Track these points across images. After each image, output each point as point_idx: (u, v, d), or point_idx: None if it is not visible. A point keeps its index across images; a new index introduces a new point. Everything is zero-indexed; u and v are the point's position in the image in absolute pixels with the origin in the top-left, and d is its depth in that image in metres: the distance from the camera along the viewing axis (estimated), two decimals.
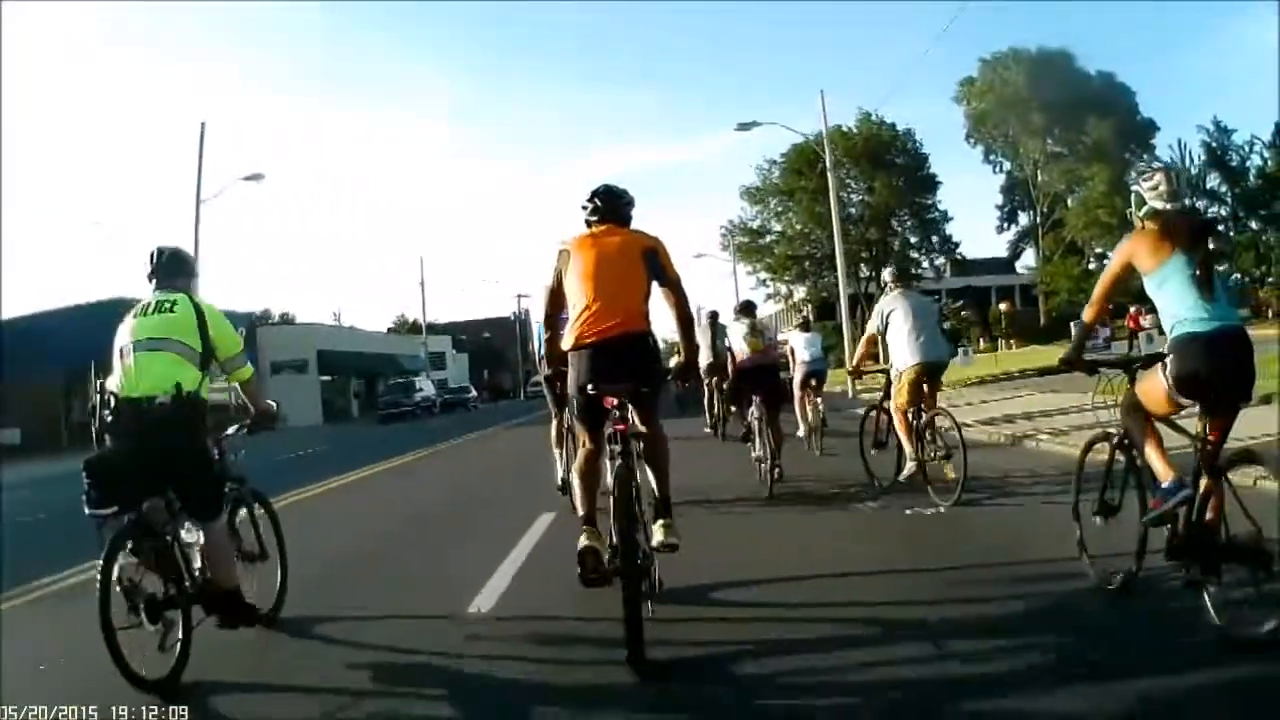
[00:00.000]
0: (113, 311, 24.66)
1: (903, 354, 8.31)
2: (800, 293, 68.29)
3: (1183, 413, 4.40)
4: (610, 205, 5.28)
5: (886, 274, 9.61)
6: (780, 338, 18.33)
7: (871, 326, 8.77)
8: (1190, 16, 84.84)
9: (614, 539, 4.51)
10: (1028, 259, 74.66)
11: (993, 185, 73.76)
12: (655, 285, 5.13)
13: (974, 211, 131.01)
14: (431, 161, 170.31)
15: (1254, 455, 4.18)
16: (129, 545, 4.53)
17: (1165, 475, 4.31)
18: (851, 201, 65.57)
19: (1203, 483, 4.14)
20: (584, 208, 5.32)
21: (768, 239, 67.30)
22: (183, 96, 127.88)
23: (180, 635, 4.55)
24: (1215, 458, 4.15)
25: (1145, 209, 4.44)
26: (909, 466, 8.30)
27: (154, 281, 5.22)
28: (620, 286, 4.94)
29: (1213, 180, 58.77)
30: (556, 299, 5.23)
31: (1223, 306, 4.14)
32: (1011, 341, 63.46)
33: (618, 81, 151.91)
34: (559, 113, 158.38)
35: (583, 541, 4.73)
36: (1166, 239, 4.22)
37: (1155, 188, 4.38)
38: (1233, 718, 3.50)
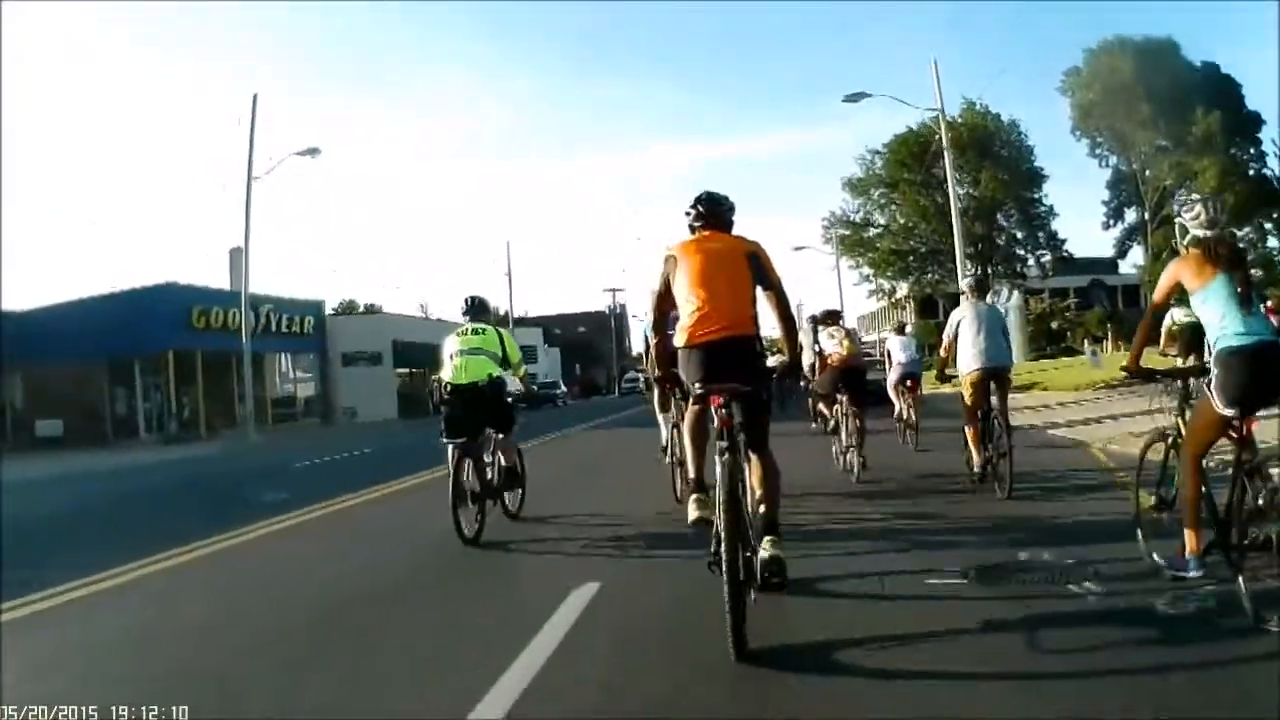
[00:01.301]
0: (157, 297, 37.35)
1: (967, 359, 8.70)
2: (903, 289, 62.50)
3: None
4: (712, 211, 5.27)
5: (964, 284, 9.95)
6: (881, 337, 18.93)
7: (947, 335, 9.09)
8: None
9: (719, 529, 4.30)
10: (1134, 257, 68.05)
11: (1096, 181, 67.71)
12: (759, 289, 5.07)
13: (1076, 209, 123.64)
14: (523, 155, 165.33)
15: None
16: (464, 461, 7.77)
17: (1190, 546, 4.58)
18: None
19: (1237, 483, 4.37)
20: (687, 214, 5.33)
21: (870, 232, 61.00)
22: (247, 86, 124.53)
23: (480, 515, 7.78)
24: (1248, 453, 4.33)
25: (1189, 237, 4.69)
26: (975, 461, 8.80)
27: (468, 316, 8.68)
28: (726, 290, 4.92)
29: None
30: (664, 303, 5.23)
31: (1259, 321, 4.40)
32: (1120, 342, 58.18)
33: (716, 72, 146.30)
34: (650, 106, 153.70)
35: (693, 513, 4.72)
36: (1209, 262, 4.48)
37: (1196, 217, 4.65)
38: (1248, 700, 3.49)
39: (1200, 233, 4.62)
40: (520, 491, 8.81)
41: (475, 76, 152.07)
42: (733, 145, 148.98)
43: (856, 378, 10.91)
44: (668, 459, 9.16)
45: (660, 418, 9.56)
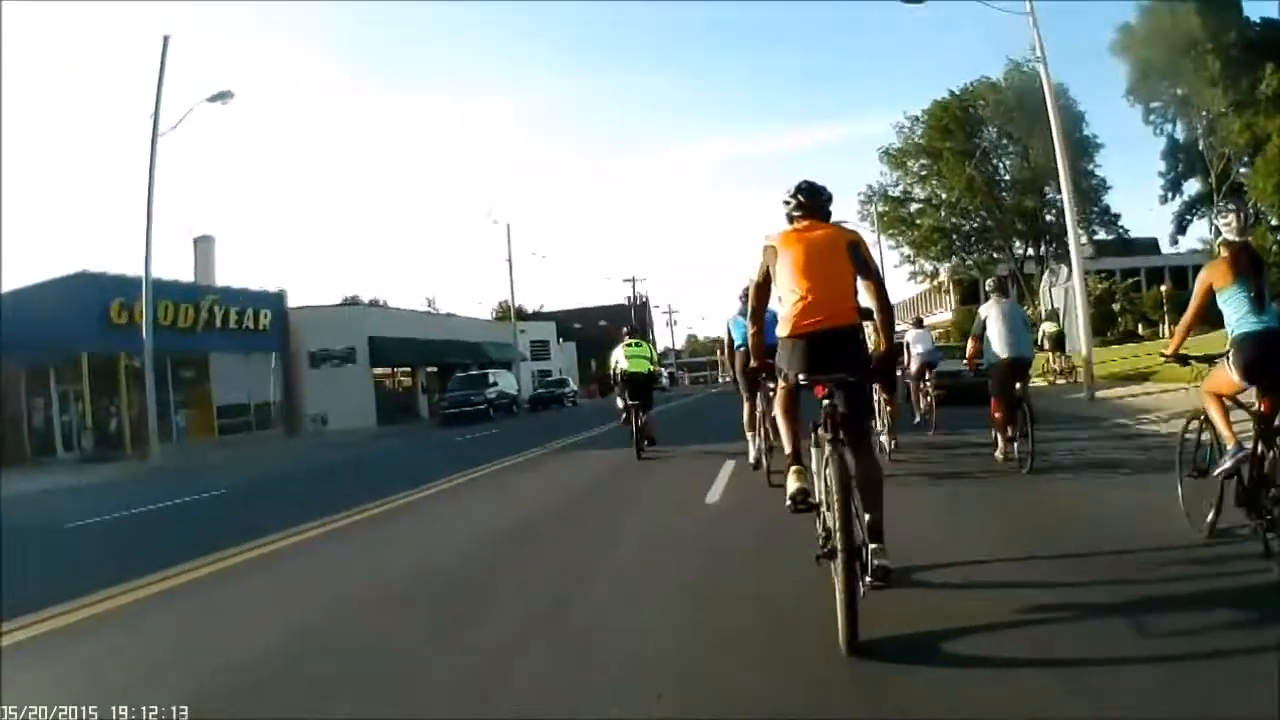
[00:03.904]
0: (68, 290, 28.11)
1: (993, 351, 8.97)
2: (944, 271, 52.94)
3: (1242, 396, 4.99)
4: (812, 201, 4.84)
5: (988, 284, 10.18)
6: (900, 329, 16.44)
7: (975, 330, 9.34)
8: None
9: (828, 523, 4.03)
10: (1197, 230, 57.87)
11: (1148, 153, 57.51)
12: (859, 279, 4.66)
13: (1125, 184, 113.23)
14: (538, 149, 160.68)
15: None
16: (632, 415, 12.48)
17: (1229, 441, 4.93)
18: (1006, 166, 50.36)
19: (1260, 447, 4.68)
20: (786, 203, 4.90)
21: (911, 208, 51.29)
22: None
23: (642, 442, 12.44)
24: (1270, 426, 4.70)
25: (1220, 239, 5.08)
26: (1001, 443, 9.13)
27: (630, 335, 13.38)
28: (830, 279, 4.52)
29: None
30: (764, 293, 4.83)
31: (1270, 315, 4.80)
32: (1174, 327, 48.45)
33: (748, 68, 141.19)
34: (668, 98, 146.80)
35: (793, 484, 4.46)
36: (1232, 266, 4.90)
37: (1228, 224, 5.02)
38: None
39: (1231, 237, 4.99)
40: (653, 440, 13.01)
41: (503, 71, 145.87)
42: (758, 140, 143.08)
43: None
44: (751, 458, 9.92)
45: (748, 435, 10.12)
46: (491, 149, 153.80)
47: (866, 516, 4.20)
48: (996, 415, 9.14)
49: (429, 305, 68.18)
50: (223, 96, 24.13)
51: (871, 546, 4.11)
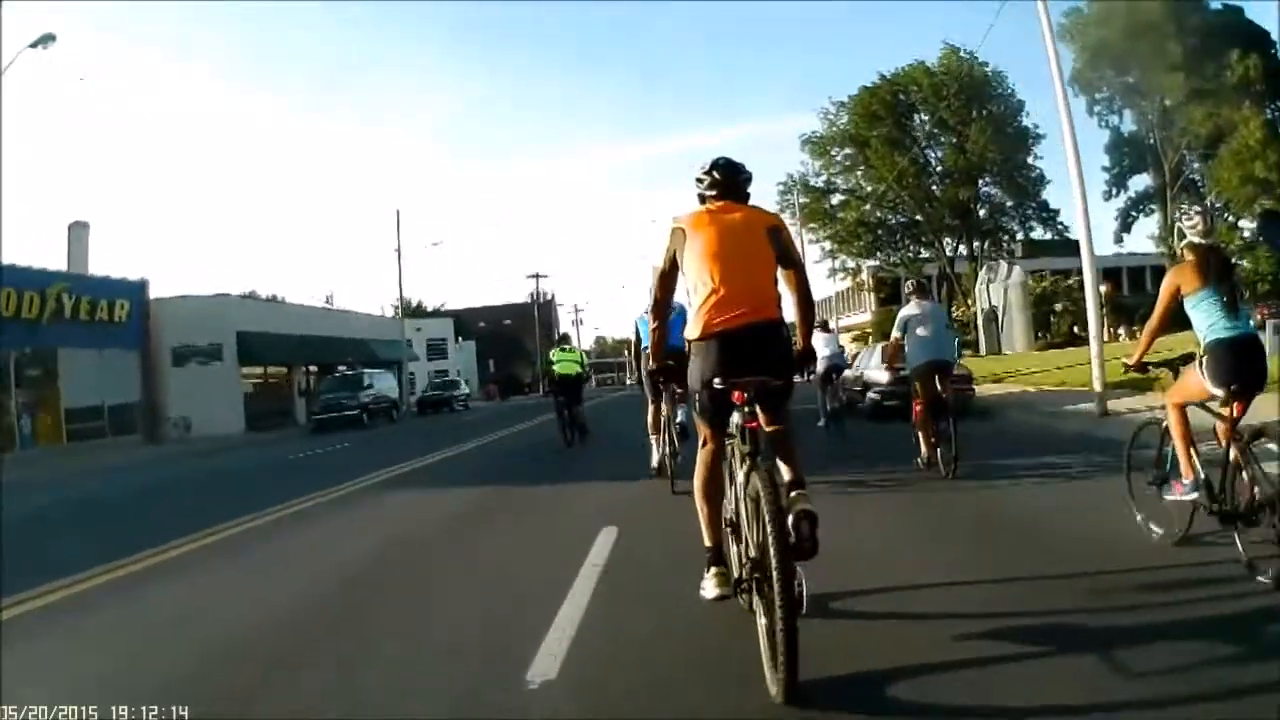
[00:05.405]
0: None
1: (916, 354, 9.20)
2: (866, 270, 53.54)
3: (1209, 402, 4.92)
4: (730, 180, 4.44)
5: (909, 285, 10.03)
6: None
7: (896, 332, 9.46)
8: None
9: (753, 551, 3.69)
10: (1143, 228, 58.83)
11: (1090, 147, 58.13)
12: (779, 268, 4.35)
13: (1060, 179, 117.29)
14: (446, 149, 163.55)
15: (1266, 430, 4.68)
16: (563, 410, 15.46)
17: (1186, 473, 5.00)
18: (937, 156, 51.03)
19: (1232, 453, 4.68)
20: (699, 181, 4.50)
21: (834, 200, 51.36)
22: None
23: (572, 434, 15.59)
24: (1237, 432, 4.69)
25: (1185, 241, 5.05)
26: (924, 448, 9.14)
27: (560, 343, 24.82)
28: (748, 268, 4.18)
29: None
30: (669, 283, 4.50)
31: (1243, 320, 4.91)
32: (1120, 330, 49.53)
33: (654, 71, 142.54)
34: (567, 99, 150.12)
35: (712, 591, 4.17)
36: (1201, 271, 4.91)
37: (1194, 226, 5.01)
38: (1258, 641, 3.71)
39: (1197, 240, 4.98)
40: (586, 430, 15.63)
41: (407, 71, 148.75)
42: (672, 139, 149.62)
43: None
44: (654, 462, 9.95)
45: (651, 438, 10.07)
46: (400, 149, 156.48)
47: (789, 480, 4.07)
48: (917, 420, 9.20)
49: (327, 302, 67.48)
50: (44, 40, 24.30)
51: (795, 493, 3.97)
